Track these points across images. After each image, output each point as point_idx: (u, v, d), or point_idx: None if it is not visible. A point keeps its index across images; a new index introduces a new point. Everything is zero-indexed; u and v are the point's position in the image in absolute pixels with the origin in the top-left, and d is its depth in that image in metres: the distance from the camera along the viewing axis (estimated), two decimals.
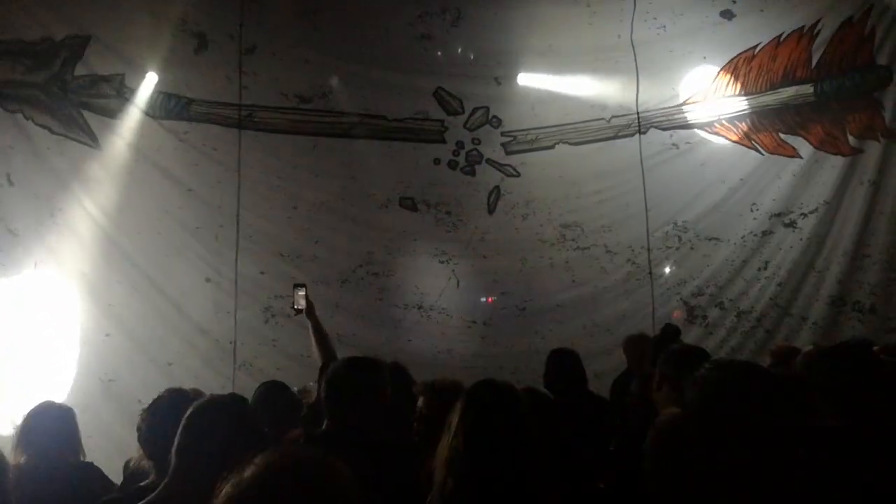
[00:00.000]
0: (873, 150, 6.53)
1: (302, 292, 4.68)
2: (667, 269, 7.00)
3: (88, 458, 3.78)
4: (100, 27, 6.27)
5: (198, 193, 6.57)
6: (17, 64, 6.16)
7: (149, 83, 6.47)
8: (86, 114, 6.34)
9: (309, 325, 4.55)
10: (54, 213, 6.12)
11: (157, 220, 6.44)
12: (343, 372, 3.15)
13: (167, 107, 6.57)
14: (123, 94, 6.42)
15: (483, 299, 7.18)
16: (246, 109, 6.67)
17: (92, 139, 6.34)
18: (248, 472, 1.31)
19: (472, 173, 7.14)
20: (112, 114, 6.40)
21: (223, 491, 1.31)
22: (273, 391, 4.16)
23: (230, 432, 2.13)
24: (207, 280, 6.57)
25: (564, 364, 4.72)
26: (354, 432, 2.99)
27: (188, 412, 2.20)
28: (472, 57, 7.11)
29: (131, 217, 6.37)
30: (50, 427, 3.51)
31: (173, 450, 2.16)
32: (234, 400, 2.33)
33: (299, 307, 4.66)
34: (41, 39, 6.17)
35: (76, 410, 3.75)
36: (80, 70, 6.32)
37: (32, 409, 3.62)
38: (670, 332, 5.49)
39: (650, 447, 2.47)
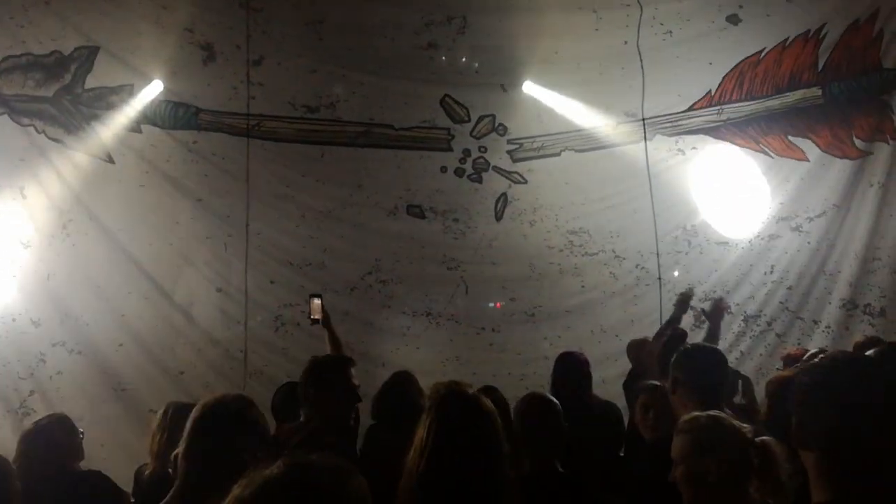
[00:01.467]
0: (882, 152, 6.54)
1: (318, 302, 4.64)
2: (676, 274, 6.99)
3: (100, 467, 3.83)
4: (108, 39, 6.30)
5: (207, 203, 6.60)
6: (28, 78, 6.21)
7: (158, 94, 6.51)
8: (96, 126, 6.38)
9: (326, 335, 4.58)
10: (66, 224, 6.17)
11: (167, 231, 6.48)
12: (308, 370, 3.42)
13: (176, 116, 6.60)
14: (133, 105, 6.46)
15: (491, 305, 7.18)
16: (254, 119, 6.71)
17: (103, 151, 6.39)
18: (258, 476, 1.31)
19: (480, 181, 7.15)
20: (122, 125, 6.44)
21: (232, 492, 1.32)
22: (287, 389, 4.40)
23: (236, 431, 2.17)
24: (218, 290, 6.60)
25: (570, 367, 4.74)
26: (317, 429, 3.12)
27: (194, 414, 2.24)
28: (477, 65, 7.14)
29: (142, 228, 6.41)
30: (45, 435, 3.55)
31: (180, 454, 2.21)
32: (239, 399, 2.36)
33: (315, 317, 4.64)
34: (51, 53, 6.21)
35: (91, 419, 3.80)
36: (90, 82, 6.35)
37: (29, 426, 3.70)
38: (678, 337, 5.51)
39: (684, 452, 2.47)
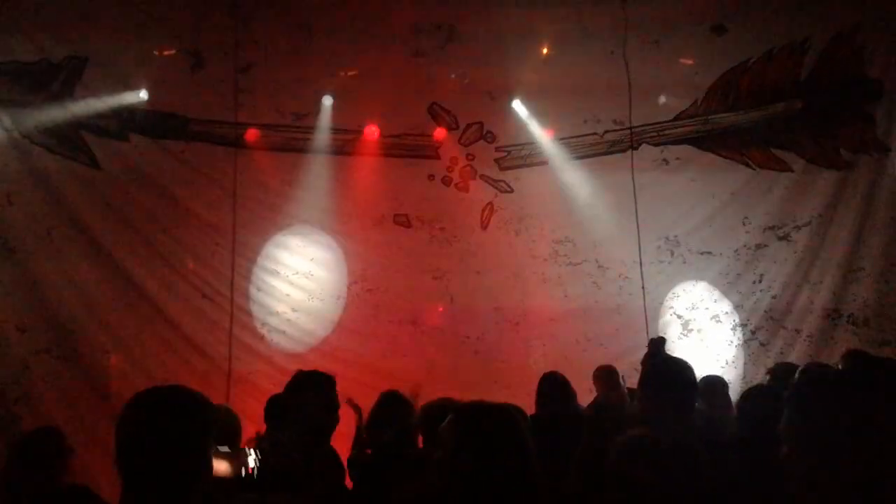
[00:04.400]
0: (865, 163, 6.56)
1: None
2: (659, 284, 7.01)
3: (86, 475, 3.82)
4: (96, 49, 6.33)
5: (194, 212, 6.64)
6: (16, 84, 6.24)
7: (146, 103, 6.54)
8: (84, 134, 6.40)
9: None
10: (51, 230, 6.18)
11: (154, 239, 6.50)
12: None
13: (164, 126, 6.63)
14: (121, 114, 6.48)
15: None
16: (242, 127, 6.74)
17: (90, 159, 6.40)
18: None
19: (466, 189, 7.20)
20: (110, 134, 6.47)
21: None
22: None
23: (171, 425, 1.89)
24: (204, 297, 6.61)
25: (552, 385, 4.71)
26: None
27: (123, 414, 1.93)
28: (466, 73, 7.14)
29: (129, 235, 6.43)
30: (31, 449, 3.54)
31: (117, 462, 1.90)
32: (173, 391, 2.00)
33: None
34: (38, 61, 6.24)
35: (76, 426, 3.76)
36: (78, 91, 6.38)
37: (17, 438, 3.69)
38: (658, 345, 5.45)
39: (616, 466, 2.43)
